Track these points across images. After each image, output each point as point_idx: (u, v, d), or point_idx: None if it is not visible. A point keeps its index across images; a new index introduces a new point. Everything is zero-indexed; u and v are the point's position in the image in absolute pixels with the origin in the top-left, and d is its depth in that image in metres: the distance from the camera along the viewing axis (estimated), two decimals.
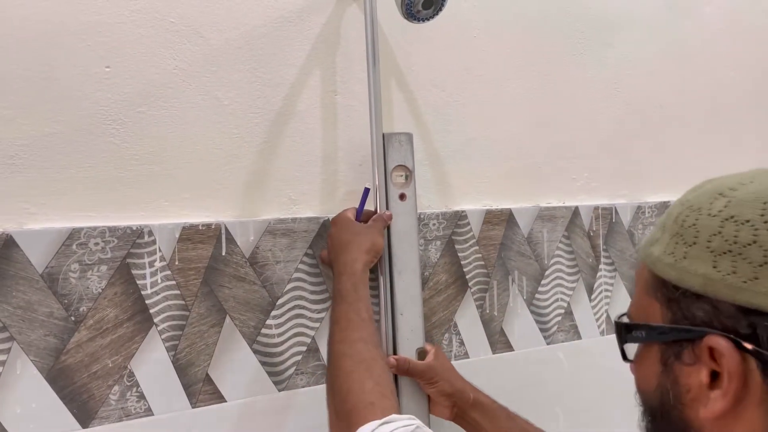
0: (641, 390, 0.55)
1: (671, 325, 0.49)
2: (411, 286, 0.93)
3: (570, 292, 1.16)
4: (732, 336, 0.45)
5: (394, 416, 0.65)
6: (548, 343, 1.13)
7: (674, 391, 0.50)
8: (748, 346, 0.44)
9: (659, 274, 0.51)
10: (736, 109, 1.40)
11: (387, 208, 0.92)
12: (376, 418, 0.65)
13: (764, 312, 0.44)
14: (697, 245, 0.48)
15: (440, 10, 0.83)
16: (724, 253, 0.46)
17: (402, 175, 0.94)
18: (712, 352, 0.46)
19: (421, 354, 0.92)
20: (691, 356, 0.48)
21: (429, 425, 0.91)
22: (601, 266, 1.20)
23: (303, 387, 0.92)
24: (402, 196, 0.93)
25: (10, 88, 0.76)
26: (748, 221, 0.46)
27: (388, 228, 0.92)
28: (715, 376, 0.47)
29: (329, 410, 0.75)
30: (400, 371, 0.89)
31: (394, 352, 0.91)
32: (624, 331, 0.54)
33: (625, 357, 0.56)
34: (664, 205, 1.28)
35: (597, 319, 1.19)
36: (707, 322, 0.47)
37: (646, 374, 0.53)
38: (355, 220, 0.91)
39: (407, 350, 0.91)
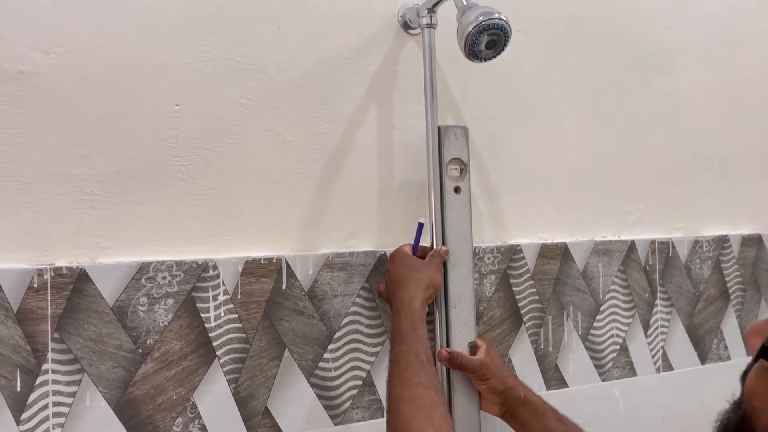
0: (752, 411, 0.51)
1: None
2: (464, 280, 0.93)
3: (626, 328, 1.14)
4: None
5: None
6: (603, 380, 1.11)
7: None
8: None
9: None
10: None
11: (442, 202, 0.93)
12: None
13: None
14: None
15: (502, 50, 0.83)
16: None
17: (457, 168, 0.94)
18: None
19: (473, 348, 0.92)
20: None
21: (479, 422, 0.91)
22: (658, 301, 1.17)
23: (358, 421, 0.92)
24: (457, 189, 0.93)
25: (85, 126, 0.79)
26: None
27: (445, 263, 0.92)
28: None
29: None
30: (453, 365, 0.89)
31: (447, 345, 0.91)
32: None
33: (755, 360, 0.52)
34: (722, 239, 1.25)
35: (653, 356, 1.16)
36: None
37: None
38: (412, 254, 0.92)
39: (459, 343, 0.92)
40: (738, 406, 0.52)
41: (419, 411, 0.72)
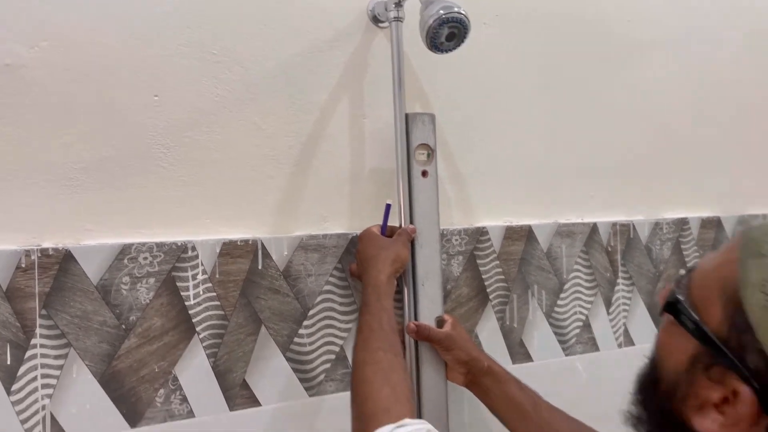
0: (659, 359, 0.56)
1: (721, 345, 0.49)
2: (431, 259, 0.99)
3: (588, 306, 1.20)
4: (759, 388, 0.47)
5: (406, 420, 0.70)
6: (567, 355, 1.18)
7: (685, 389, 0.52)
8: None
9: (744, 300, 0.49)
10: (754, 130, 1.43)
11: (410, 185, 0.98)
12: (390, 422, 0.70)
13: None
14: None
15: (462, 42, 0.89)
16: None
17: (424, 153, 0.99)
18: (735, 393, 0.48)
19: (440, 322, 0.98)
20: (718, 375, 0.49)
21: (446, 390, 0.98)
22: (619, 280, 1.24)
23: (332, 393, 0.98)
24: (424, 173, 0.99)
25: (70, 116, 0.84)
26: None
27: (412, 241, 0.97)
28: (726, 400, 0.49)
29: (352, 415, 0.80)
30: (420, 336, 0.95)
31: (416, 319, 0.97)
32: (674, 309, 0.54)
33: (660, 314, 0.56)
34: (682, 222, 1.31)
35: (615, 332, 1.23)
36: (751, 368, 0.47)
37: (671, 352, 0.54)
38: (381, 234, 0.97)
39: (427, 319, 0.98)
40: (651, 359, 0.58)
41: (378, 373, 0.78)
